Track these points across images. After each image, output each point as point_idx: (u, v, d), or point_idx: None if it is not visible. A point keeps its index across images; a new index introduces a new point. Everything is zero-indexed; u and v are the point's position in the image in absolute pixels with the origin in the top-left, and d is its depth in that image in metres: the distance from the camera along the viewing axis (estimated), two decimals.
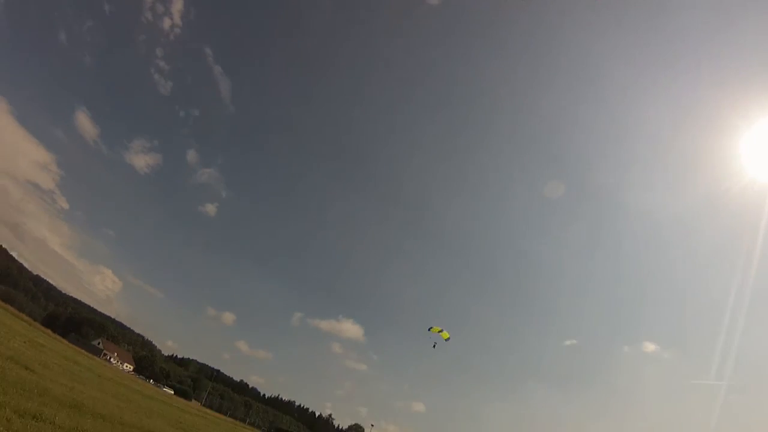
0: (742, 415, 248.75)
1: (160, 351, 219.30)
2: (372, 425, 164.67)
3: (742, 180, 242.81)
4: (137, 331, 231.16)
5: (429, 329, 55.60)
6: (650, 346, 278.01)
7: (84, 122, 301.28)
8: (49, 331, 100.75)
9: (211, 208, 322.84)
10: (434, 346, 56.69)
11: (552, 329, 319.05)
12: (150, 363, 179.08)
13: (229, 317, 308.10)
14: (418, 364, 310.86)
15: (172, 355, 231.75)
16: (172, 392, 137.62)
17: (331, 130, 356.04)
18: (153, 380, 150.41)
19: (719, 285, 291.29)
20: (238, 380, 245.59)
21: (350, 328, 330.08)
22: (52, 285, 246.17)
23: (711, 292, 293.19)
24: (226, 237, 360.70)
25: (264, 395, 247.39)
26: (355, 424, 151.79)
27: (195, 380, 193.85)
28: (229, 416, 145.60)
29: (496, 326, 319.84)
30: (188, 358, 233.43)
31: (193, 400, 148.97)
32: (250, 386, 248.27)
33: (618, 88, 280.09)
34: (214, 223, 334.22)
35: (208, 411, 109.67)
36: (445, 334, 55.21)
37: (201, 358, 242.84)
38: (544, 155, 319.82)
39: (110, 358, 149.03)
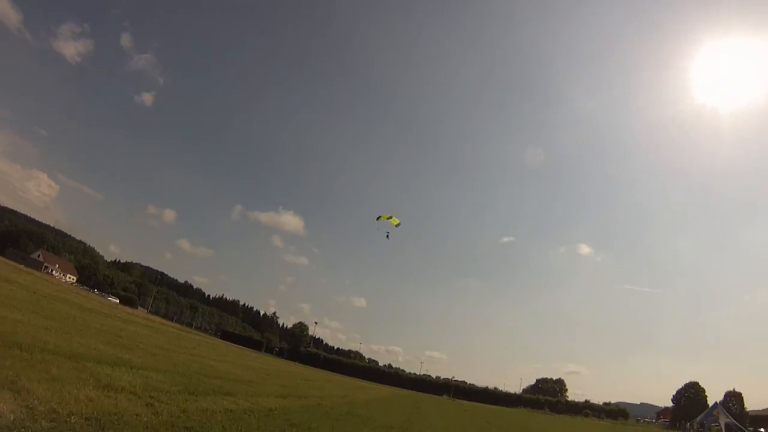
0: (664, 320, 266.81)
1: (102, 257, 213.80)
2: (315, 323, 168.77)
3: (693, 103, 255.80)
4: (78, 238, 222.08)
5: (377, 218, 54.53)
6: (585, 249, 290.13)
7: (4, 7, 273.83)
8: None
9: (148, 97, 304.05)
10: (387, 236, 55.69)
11: (491, 225, 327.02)
12: (93, 272, 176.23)
13: (169, 214, 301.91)
14: (358, 257, 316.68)
15: (116, 260, 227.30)
16: (117, 301, 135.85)
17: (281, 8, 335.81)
18: (97, 290, 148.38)
19: (657, 200, 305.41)
20: (183, 281, 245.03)
21: (290, 220, 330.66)
22: None
23: (649, 205, 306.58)
24: (164, 128, 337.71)
25: (209, 296, 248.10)
26: (300, 323, 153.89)
27: (140, 286, 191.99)
28: (175, 321, 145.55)
29: (436, 218, 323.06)
30: (131, 263, 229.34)
31: (139, 308, 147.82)
32: (194, 287, 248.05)
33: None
34: (152, 113, 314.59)
35: (154, 318, 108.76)
36: (395, 220, 53.80)
37: (144, 261, 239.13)
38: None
39: (51, 270, 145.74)
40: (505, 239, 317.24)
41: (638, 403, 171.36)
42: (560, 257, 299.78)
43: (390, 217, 53.86)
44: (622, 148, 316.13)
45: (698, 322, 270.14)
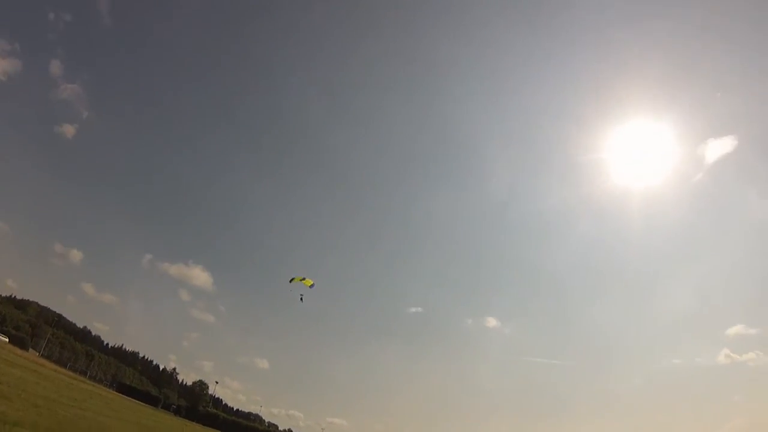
0: (567, 392, 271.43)
1: None
2: (216, 382, 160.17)
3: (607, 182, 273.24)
4: None
5: (290, 280, 51.98)
6: (492, 321, 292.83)
7: None
8: None
9: (69, 129, 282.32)
10: (301, 300, 53.06)
11: (399, 295, 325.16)
12: None
13: (76, 255, 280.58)
14: (265, 318, 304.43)
15: (11, 295, 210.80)
16: (7, 339, 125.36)
17: (213, 56, 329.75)
18: None
19: (566, 275, 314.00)
20: (81, 327, 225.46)
21: (199, 275, 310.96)
22: None
23: (558, 280, 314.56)
24: (82, 164, 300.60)
25: (107, 344, 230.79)
26: (200, 381, 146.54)
27: (34, 326, 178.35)
28: (68, 368, 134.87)
29: (345, 285, 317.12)
30: (28, 300, 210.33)
31: (30, 350, 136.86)
32: (93, 334, 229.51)
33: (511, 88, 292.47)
34: (71, 146, 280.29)
35: (45, 362, 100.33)
36: (308, 281, 51.91)
37: (43, 301, 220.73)
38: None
39: None
40: (413, 309, 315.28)
41: None
42: (468, 329, 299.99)
43: (303, 279, 51.71)
44: (533, 223, 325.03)
45: (608, 392, 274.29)
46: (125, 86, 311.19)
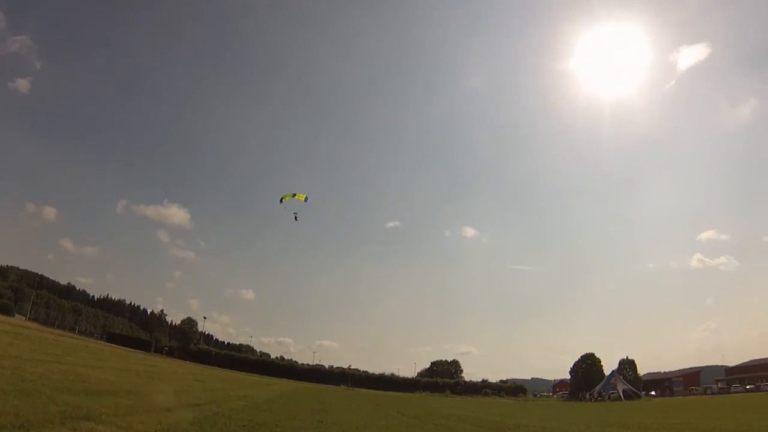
0: (550, 297, 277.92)
1: None
2: (204, 318, 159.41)
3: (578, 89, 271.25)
4: None
5: (280, 200, 49.01)
6: (470, 231, 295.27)
7: None
8: None
9: (23, 84, 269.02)
10: (296, 218, 49.97)
11: (375, 211, 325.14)
12: None
13: (50, 212, 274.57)
14: (245, 248, 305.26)
15: None
16: None
17: None
18: None
19: (541, 181, 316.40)
20: (65, 284, 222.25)
21: (176, 213, 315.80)
22: None
23: (533, 186, 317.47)
24: (42, 117, 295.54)
25: (93, 297, 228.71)
26: (188, 319, 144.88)
27: (17, 291, 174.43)
28: (56, 327, 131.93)
29: (322, 205, 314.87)
30: (6, 266, 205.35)
31: (16, 315, 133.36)
32: (78, 289, 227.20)
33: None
34: (28, 100, 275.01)
35: (30, 325, 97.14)
36: (301, 196, 48.35)
37: (23, 265, 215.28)
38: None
39: None
40: (390, 224, 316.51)
41: (530, 378, 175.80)
42: (446, 240, 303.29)
43: (294, 195, 48.74)
44: (508, 131, 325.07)
45: (585, 296, 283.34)
46: (75, 30, 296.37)
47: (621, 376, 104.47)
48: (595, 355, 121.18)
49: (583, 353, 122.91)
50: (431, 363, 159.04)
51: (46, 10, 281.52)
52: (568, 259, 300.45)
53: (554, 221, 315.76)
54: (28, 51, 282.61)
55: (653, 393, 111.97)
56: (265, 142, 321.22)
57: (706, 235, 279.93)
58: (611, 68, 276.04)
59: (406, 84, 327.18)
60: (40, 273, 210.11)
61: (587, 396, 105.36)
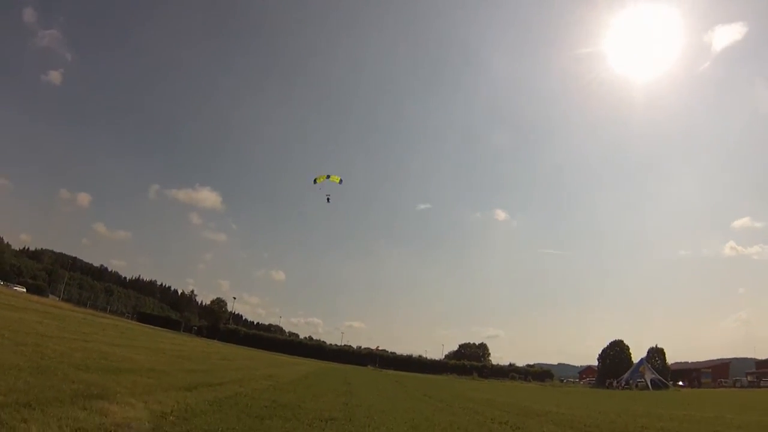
0: (579, 282, 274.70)
1: (9, 246, 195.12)
2: (234, 298, 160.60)
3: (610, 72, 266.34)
4: None
5: (314, 181, 48.14)
6: (501, 214, 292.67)
7: None
8: None
9: (55, 76, 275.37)
10: (328, 200, 48.95)
11: (407, 193, 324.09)
12: None
13: (84, 198, 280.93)
14: (276, 230, 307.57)
15: (25, 248, 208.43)
16: (24, 290, 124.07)
17: None
18: (1, 280, 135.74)
19: (573, 166, 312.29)
20: (98, 266, 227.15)
21: (208, 197, 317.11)
22: None
23: (565, 171, 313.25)
24: (74, 107, 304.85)
25: (125, 278, 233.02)
26: (218, 299, 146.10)
27: (51, 273, 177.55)
28: (89, 307, 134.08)
29: (352, 188, 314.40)
30: (42, 249, 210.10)
31: (50, 296, 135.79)
32: (111, 271, 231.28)
33: None
34: (61, 92, 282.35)
35: (63, 305, 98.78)
36: (335, 177, 48.05)
37: (58, 248, 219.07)
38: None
39: None
40: (422, 206, 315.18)
41: (556, 363, 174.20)
42: (476, 223, 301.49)
43: (328, 177, 47.87)
44: (538, 114, 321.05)
45: (613, 282, 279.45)
46: (104, 21, 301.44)
47: (649, 365, 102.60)
48: (624, 342, 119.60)
49: (611, 340, 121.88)
50: (459, 345, 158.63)
51: (75, 3, 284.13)
52: (598, 244, 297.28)
53: (585, 206, 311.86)
54: (59, 44, 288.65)
55: (681, 383, 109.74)
56: (295, 130, 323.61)
57: (740, 222, 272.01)
58: (643, 50, 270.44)
59: (434, 71, 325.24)
60: (73, 255, 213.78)
61: (614, 384, 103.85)
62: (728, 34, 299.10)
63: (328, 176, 48.02)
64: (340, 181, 49.02)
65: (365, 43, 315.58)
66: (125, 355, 24.51)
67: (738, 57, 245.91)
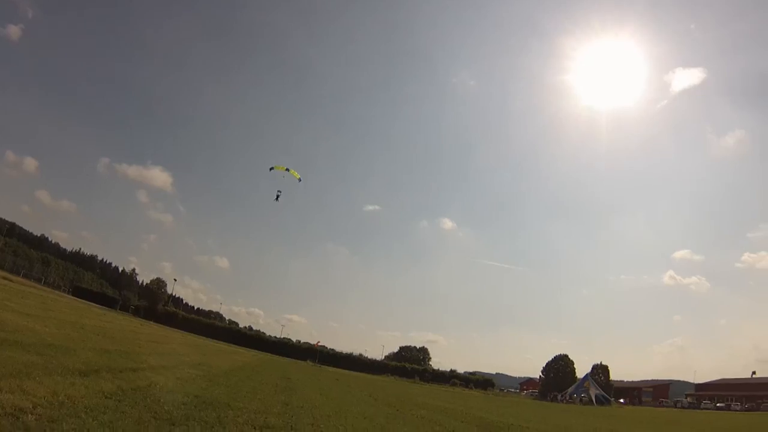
0: (523, 297, 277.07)
1: None
2: (175, 280, 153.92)
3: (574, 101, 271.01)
4: None
5: (271, 168, 43.35)
6: (448, 223, 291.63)
7: None
8: None
9: (14, 31, 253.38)
10: (277, 198, 44.83)
11: (356, 192, 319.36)
12: None
13: (30, 163, 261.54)
14: (224, 217, 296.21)
15: None
16: None
17: None
18: None
19: (531, 187, 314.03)
20: (39, 235, 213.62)
21: (158, 176, 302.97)
22: None
23: (521, 191, 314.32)
24: (31, 67, 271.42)
25: (65, 250, 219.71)
26: (157, 279, 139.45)
27: None
28: (22, 276, 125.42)
29: (303, 180, 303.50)
30: None
31: None
32: (52, 241, 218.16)
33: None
34: (17, 49, 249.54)
35: None
36: (295, 173, 44.62)
37: None
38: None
39: None
40: (370, 207, 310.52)
41: (494, 373, 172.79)
42: (423, 230, 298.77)
43: (287, 169, 43.69)
44: (501, 134, 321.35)
45: (557, 301, 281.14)
46: None
47: (593, 381, 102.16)
48: (569, 357, 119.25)
49: (552, 354, 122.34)
50: (400, 348, 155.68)
51: None
52: (544, 263, 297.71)
53: (535, 226, 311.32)
54: None
55: (621, 400, 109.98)
56: (254, 120, 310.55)
57: (681, 254, 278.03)
58: (607, 82, 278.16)
59: (399, 77, 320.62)
60: (11, 221, 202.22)
61: (559, 397, 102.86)
62: (687, 78, 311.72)
63: (287, 169, 44.74)
64: (300, 179, 45.34)
65: (341, 41, 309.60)
66: (25, 326, 20.20)
67: (694, 100, 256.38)
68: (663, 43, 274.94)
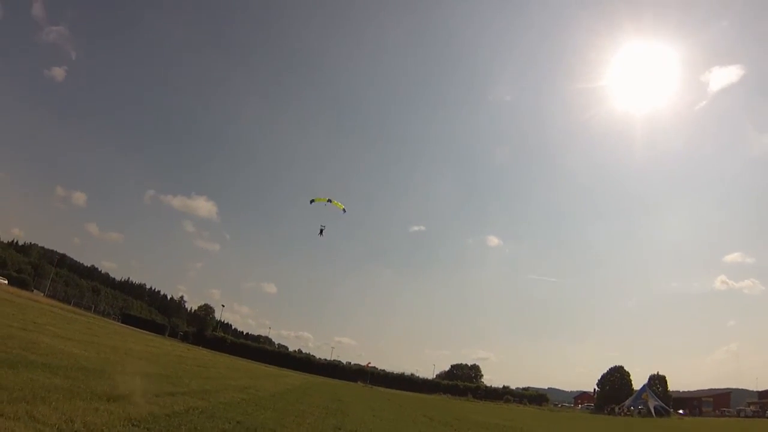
0: (571, 309, 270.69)
1: None
2: (223, 306, 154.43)
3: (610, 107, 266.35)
4: None
5: (311, 201, 42.60)
6: (494, 240, 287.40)
7: None
8: None
9: (59, 72, 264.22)
10: (321, 233, 42.81)
11: (401, 213, 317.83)
12: None
13: (79, 197, 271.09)
14: (270, 243, 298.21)
15: (13, 241, 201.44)
16: (6, 281, 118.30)
17: None
18: None
19: (570, 197, 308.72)
20: (89, 266, 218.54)
21: (203, 206, 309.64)
22: None
23: (562, 202, 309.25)
24: (75, 106, 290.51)
25: (114, 279, 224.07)
26: (205, 305, 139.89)
27: (37, 267, 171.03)
28: (73, 305, 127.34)
29: (349, 203, 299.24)
30: (30, 244, 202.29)
31: (34, 290, 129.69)
32: (102, 272, 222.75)
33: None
34: (63, 89, 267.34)
35: (43, 299, 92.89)
36: (339, 204, 42.49)
37: (50, 245, 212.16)
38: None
39: None
40: (415, 228, 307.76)
41: (546, 387, 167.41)
42: (469, 248, 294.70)
43: (329, 201, 41.76)
44: (538, 144, 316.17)
45: (605, 312, 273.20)
46: (110, 21, 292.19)
47: (651, 392, 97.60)
48: (624, 368, 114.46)
49: (603, 367, 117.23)
50: (451, 366, 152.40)
51: (84, 2, 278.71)
52: (590, 273, 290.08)
53: (579, 237, 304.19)
54: (65, 41, 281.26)
55: (681, 411, 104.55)
56: (293, 143, 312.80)
57: (732, 257, 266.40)
58: (642, 86, 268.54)
59: (437, 92, 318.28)
60: (62, 252, 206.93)
61: (616, 410, 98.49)
62: (725, 76, 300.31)
63: (329, 200, 42.70)
64: (344, 210, 43.66)
65: (374, 58, 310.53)
66: (61, 349, 19.06)
67: (733, 99, 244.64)
68: (697, 44, 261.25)
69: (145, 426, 9.31)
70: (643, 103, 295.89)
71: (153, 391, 14.28)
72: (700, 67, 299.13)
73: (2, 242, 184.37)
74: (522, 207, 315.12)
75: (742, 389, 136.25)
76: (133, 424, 9.23)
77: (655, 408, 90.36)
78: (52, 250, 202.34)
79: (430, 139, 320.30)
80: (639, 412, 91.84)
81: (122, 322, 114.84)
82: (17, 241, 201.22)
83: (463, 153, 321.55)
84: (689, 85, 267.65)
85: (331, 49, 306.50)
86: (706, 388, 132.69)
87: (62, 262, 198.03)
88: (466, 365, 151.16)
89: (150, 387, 15.09)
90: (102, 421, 8.68)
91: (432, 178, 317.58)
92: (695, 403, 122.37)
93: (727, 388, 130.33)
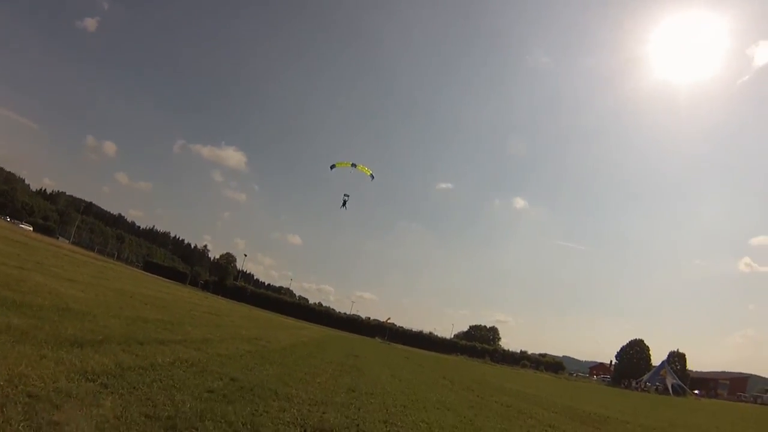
0: (596, 280, 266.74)
1: (25, 184, 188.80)
2: (245, 255, 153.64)
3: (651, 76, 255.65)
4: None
5: (332, 167, 38.40)
6: (520, 202, 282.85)
7: None
8: None
9: (91, 23, 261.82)
10: (344, 204, 37.77)
11: (429, 170, 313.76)
12: (10, 198, 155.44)
13: (110, 147, 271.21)
14: (297, 195, 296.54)
15: (42, 189, 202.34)
16: (31, 228, 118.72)
17: None
18: (9, 217, 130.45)
19: (606, 166, 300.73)
20: (116, 214, 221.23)
21: (233, 156, 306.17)
22: None
23: (597, 170, 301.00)
24: (107, 57, 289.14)
25: (138, 227, 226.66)
26: (227, 254, 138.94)
27: (63, 215, 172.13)
28: (96, 252, 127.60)
29: (378, 161, 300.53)
30: (58, 192, 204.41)
31: (59, 237, 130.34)
32: (128, 220, 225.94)
33: None
34: (95, 40, 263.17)
35: (64, 245, 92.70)
36: (365, 169, 37.96)
37: (79, 194, 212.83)
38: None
39: None
40: (443, 185, 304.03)
41: (561, 355, 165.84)
42: (496, 209, 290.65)
43: (354, 165, 37.41)
44: (576, 111, 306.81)
45: (627, 284, 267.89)
46: None
47: (670, 369, 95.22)
48: (644, 342, 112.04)
49: (624, 340, 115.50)
50: (470, 327, 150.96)
51: None
52: (615, 244, 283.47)
53: (608, 208, 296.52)
54: None
55: (696, 392, 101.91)
56: (327, 102, 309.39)
57: (759, 240, 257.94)
58: (685, 57, 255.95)
59: (471, 54, 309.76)
60: (89, 201, 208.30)
61: (633, 384, 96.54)
62: None
63: (354, 165, 37.99)
64: (372, 176, 38.95)
65: (416, 18, 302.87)
66: (52, 288, 17.36)
67: None
68: (746, 15, 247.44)
69: (102, 382, 7.39)
70: (685, 72, 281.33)
71: (138, 339, 12.40)
72: (747, 40, 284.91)
73: (31, 190, 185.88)
74: (553, 175, 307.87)
75: (758, 375, 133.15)
76: (87, 379, 7.32)
77: (672, 386, 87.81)
78: (79, 199, 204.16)
79: (465, 101, 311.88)
80: (656, 389, 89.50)
81: (144, 269, 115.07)
82: (45, 189, 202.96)
83: (499, 117, 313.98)
84: (734, 57, 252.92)
85: (368, 12, 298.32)
86: (721, 370, 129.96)
87: (89, 209, 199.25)
88: (485, 327, 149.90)
89: (137, 333, 13.24)
90: (41, 373, 6.77)
91: (464, 138, 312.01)
92: (711, 384, 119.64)
93: (745, 373, 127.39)
